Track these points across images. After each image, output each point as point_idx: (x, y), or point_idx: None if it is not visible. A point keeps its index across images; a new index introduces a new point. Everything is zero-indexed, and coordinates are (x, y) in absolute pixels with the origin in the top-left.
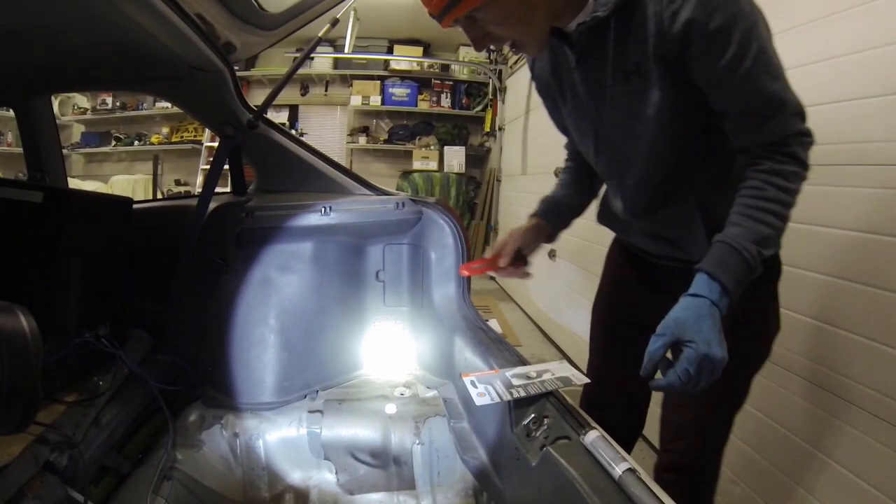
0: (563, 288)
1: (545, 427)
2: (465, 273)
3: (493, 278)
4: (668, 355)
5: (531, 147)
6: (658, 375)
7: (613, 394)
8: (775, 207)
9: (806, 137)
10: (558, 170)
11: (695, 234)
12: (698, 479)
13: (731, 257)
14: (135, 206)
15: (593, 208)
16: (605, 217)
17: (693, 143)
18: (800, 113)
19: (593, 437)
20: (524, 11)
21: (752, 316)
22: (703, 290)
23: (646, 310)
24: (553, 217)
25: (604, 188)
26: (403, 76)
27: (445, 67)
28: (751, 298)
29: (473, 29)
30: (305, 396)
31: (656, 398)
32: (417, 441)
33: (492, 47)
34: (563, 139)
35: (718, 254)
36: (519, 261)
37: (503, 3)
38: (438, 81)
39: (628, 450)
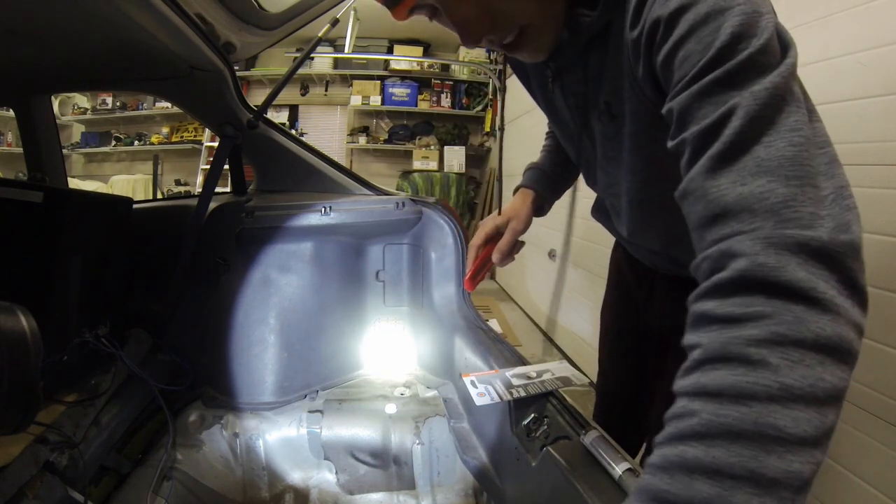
0: (563, 288)
1: (545, 427)
2: (471, 288)
3: (491, 277)
4: None
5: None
6: None
7: (620, 399)
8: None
9: (852, 284)
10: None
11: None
12: None
13: None
14: (135, 206)
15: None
16: (598, 212)
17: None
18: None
19: (593, 437)
20: None
21: None
22: None
23: (645, 316)
24: (547, 188)
25: None
26: (403, 76)
27: (445, 67)
28: None
29: (465, 5)
30: (305, 396)
31: None
32: (417, 441)
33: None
34: None
35: None
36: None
37: None
38: (438, 81)
39: (634, 455)
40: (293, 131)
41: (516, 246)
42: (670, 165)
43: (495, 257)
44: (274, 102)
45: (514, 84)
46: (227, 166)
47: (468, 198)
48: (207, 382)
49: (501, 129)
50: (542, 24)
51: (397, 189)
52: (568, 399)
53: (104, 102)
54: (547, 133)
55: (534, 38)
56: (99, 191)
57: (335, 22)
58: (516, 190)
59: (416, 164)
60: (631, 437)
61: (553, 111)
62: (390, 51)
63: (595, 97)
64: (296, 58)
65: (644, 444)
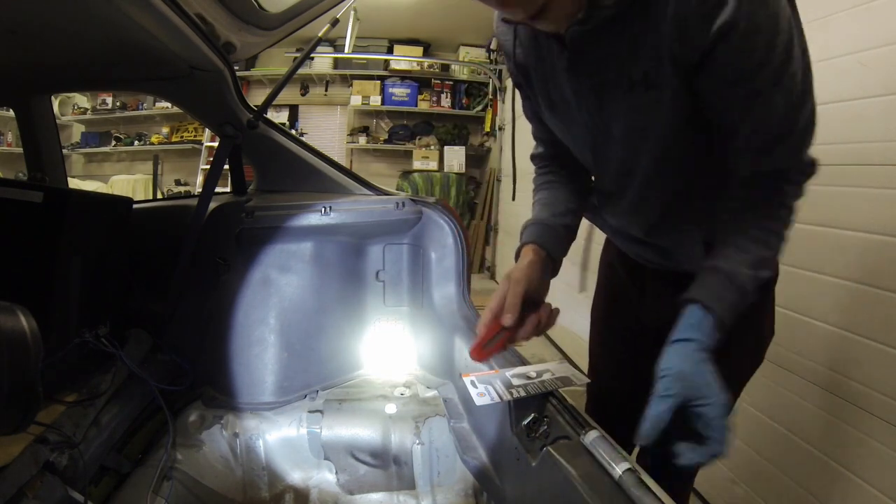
0: (563, 288)
1: (545, 427)
2: (478, 357)
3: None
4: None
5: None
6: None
7: (614, 397)
8: (772, 225)
9: (809, 167)
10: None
11: (691, 250)
12: (682, 476)
13: (725, 288)
14: (135, 206)
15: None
16: (593, 216)
17: (704, 162)
18: (808, 146)
19: (593, 436)
20: None
21: (747, 320)
22: (698, 332)
23: (638, 312)
24: (553, 241)
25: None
26: (403, 76)
27: (445, 67)
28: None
29: None
30: (305, 396)
31: None
32: (417, 441)
33: (492, 46)
34: None
35: (711, 284)
36: (530, 310)
37: None
38: (438, 81)
39: (630, 453)
40: (293, 131)
41: (542, 311)
42: (697, 129)
43: (505, 319)
44: (274, 102)
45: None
46: (227, 166)
47: (468, 198)
48: (207, 382)
49: (513, 122)
50: None
51: (397, 189)
52: (568, 399)
53: (104, 102)
54: (536, 186)
55: (557, 6)
56: (99, 191)
57: (335, 22)
58: (518, 251)
59: (416, 164)
60: (626, 437)
61: (562, 101)
62: (390, 51)
63: (628, 68)
64: (296, 58)
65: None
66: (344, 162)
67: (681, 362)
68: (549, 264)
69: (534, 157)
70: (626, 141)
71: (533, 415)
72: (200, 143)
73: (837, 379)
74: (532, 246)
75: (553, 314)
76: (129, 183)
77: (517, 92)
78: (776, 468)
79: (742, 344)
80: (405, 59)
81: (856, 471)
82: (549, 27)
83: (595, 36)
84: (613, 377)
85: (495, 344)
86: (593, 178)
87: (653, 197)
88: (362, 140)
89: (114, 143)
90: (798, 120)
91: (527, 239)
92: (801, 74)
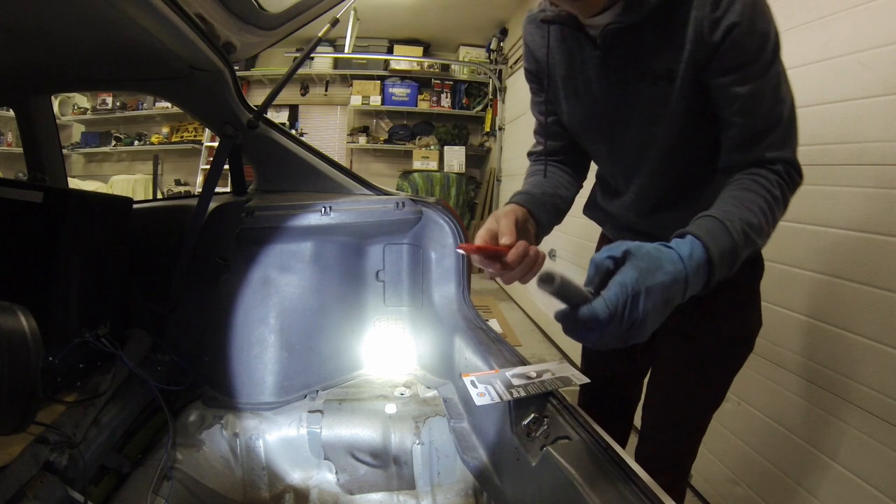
0: None
1: (545, 427)
2: (468, 249)
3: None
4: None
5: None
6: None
7: (606, 385)
8: (762, 203)
9: (796, 172)
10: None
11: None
12: (676, 468)
13: (720, 231)
14: (135, 206)
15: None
16: (592, 210)
17: (706, 152)
18: (793, 145)
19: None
20: None
21: (736, 309)
22: (685, 254)
23: None
24: (536, 208)
25: (591, 183)
26: (403, 76)
27: (445, 67)
28: (736, 292)
29: None
30: (305, 396)
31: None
32: (417, 441)
33: (492, 46)
34: None
35: (707, 224)
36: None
37: None
38: (438, 81)
39: (623, 442)
40: (293, 131)
41: (535, 255)
42: (704, 121)
43: (503, 239)
44: (274, 102)
45: (513, 84)
46: (227, 166)
47: (468, 198)
48: (207, 382)
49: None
50: None
51: (397, 189)
52: (568, 399)
53: (104, 102)
54: (527, 174)
55: None
56: (99, 191)
57: (335, 22)
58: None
59: (416, 164)
60: (619, 428)
61: (588, 94)
62: (390, 51)
63: (654, 65)
64: (296, 58)
65: (637, 435)
66: (344, 162)
67: (655, 250)
68: (531, 219)
69: (530, 154)
70: (644, 128)
71: (533, 415)
72: (200, 143)
73: (837, 379)
74: (512, 205)
75: (541, 257)
76: (129, 183)
77: (504, 100)
78: (777, 469)
79: (734, 331)
80: (405, 59)
81: (854, 469)
82: (584, 11)
83: (627, 35)
84: (606, 367)
85: (482, 256)
86: (599, 168)
87: (657, 183)
88: (362, 140)
89: (114, 143)
90: (782, 114)
91: (514, 200)
92: (783, 76)
